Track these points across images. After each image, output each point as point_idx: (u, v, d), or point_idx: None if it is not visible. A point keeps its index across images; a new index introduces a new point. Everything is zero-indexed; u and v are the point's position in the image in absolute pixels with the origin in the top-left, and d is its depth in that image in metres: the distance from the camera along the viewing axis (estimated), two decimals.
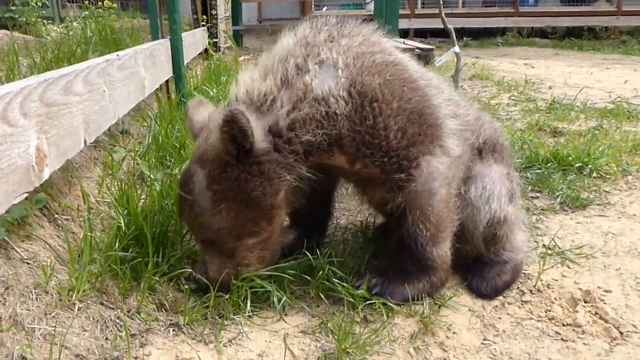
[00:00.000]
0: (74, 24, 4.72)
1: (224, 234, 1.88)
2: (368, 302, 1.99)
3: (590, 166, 3.44)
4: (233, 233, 1.88)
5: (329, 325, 1.88)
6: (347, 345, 1.76)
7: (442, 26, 5.41)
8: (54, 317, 1.60)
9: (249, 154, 1.77)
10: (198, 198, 1.83)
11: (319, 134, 1.83)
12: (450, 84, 2.27)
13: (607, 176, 3.41)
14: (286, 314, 1.96)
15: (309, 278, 2.07)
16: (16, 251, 1.73)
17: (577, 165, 3.45)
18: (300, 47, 1.91)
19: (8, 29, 4.54)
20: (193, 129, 2.01)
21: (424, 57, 7.78)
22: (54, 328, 1.55)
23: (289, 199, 1.98)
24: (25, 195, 1.55)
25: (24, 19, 4.97)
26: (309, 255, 2.11)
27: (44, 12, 5.70)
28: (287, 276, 2.03)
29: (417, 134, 1.91)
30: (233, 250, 1.92)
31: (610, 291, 2.17)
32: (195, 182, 1.83)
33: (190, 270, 2.02)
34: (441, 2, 5.90)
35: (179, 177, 1.92)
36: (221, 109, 1.92)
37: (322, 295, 2.02)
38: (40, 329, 1.53)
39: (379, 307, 1.97)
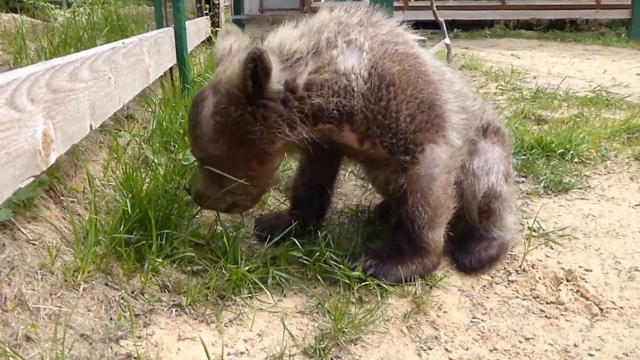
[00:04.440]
0: (81, 9, 4.60)
1: (215, 160, 1.89)
2: (363, 283, 1.95)
3: (571, 152, 3.43)
4: (223, 163, 1.89)
5: (325, 305, 1.85)
6: (343, 325, 1.72)
7: (434, 18, 5.34)
8: (59, 297, 1.55)
9: (259, 94, 1.76)
10: (201, 121, 1.85)
11: (333, 101, 1.82)
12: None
13: (588, 161, 3.40)
14: (285, 295, 1.92)
15: (306, 262, 2.02)
16: (22, 232, 1.67)
17: (559, 151, 3.44)
18: (334, 24, 1.92)
19: (16, 12, 4.42)
20: (216, 56, 2.04)
21: None
22: (59, 308, 1.50)
23: (293, 153, 2.11)
24: (32, 179, 1.49)
25: (32, 2, 4.84)
26: (307, 239, 2.09)
27: None
28: (285, 259, 2.00)
29: (424, 121, 1.91)
30: (220, 177, 1.92)
31: (591, 270, 2.17)
32: (205, 105, 1.85)
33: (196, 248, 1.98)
34: None
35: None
36: (246, 46, 1.92)
37: (319, 277, 1.98)
38: (45, 309, 1.47)
39: (374, 287, 1.94)
